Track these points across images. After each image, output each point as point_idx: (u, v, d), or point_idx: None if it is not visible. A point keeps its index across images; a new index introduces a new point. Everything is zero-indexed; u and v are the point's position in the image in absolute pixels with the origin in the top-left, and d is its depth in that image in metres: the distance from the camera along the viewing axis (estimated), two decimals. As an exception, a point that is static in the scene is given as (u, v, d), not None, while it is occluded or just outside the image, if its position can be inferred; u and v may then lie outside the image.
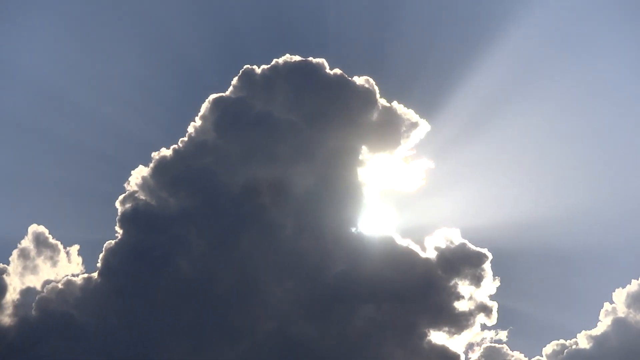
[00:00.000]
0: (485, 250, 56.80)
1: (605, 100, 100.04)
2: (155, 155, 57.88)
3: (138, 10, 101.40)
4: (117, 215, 57.34)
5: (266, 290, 55.33)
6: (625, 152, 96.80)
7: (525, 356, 59.23)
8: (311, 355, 55.31)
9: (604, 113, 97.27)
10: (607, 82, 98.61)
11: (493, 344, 59.45)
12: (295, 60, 59.21)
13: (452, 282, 55.93)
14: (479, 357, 58.50)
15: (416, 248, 57.25)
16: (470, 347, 57.52)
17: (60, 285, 56.83)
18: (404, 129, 58.37)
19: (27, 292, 56.98)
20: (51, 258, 59.23)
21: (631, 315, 59.50)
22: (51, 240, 59.27)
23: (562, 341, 61.06)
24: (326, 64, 59.77)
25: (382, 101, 59.57)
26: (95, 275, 56.98)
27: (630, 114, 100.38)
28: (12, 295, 56.62)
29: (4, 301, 56.06)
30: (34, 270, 58.41)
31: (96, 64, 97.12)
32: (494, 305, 56.35)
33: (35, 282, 57.86)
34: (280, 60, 59.48)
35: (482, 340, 58.57)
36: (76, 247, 60.19)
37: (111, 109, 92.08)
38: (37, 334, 55.53)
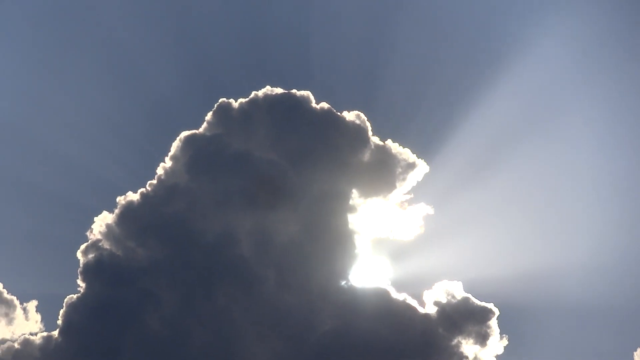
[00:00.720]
0: (491, 305, 51.49)
1: (620, 141, 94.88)
2: (120, 200, 52.42)
3: (104, 41, 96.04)
4: (78, 267, 51.99)
5: (246, 351, 49.44)
6: None
7: None
8: None
9: (618, 156, 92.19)
10: (621, 121, 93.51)
11: None
12: (276, 93, 53.63)
13: (455, 341, 50.77)
14: None
15: (414, 303, 51.67)
16: None
17: (17, 345, 52.01)
18: (400, 170, 53.11)
19: None
20: (6, 315, 54.65)
21: None
22: (6, 295, 54.68)
23: None
24: (312, 97, 54.27)
25: (375, 139, 53.90)
26: (55, 333, 51.87)
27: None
28: None
29: None
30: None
31: (58, 98, 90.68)
32: None
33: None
34: (260, 92, 53.82)
35: None
36: (34, 302, 55.39)
37: (73, 147, 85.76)
38: None
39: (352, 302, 51.30)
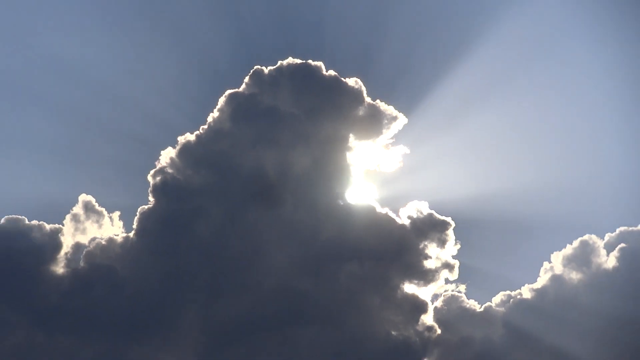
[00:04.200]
0: (449, 219, 68.84)
1: (561, 98, 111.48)
2: (181, 139, 68.33)
3: (173, 17, 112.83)
4: (149, 186, 68.05)
5: (269, 253, 66.63)
6: (571, 141, 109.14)
7: (478, 304, 69.70)
8: (306, 303, 66.65)
9: (560, 110, 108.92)
10: (565, 81, 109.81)
11: (453, 294, 70.43)
12: (297, 63, 69.51)
13: (422, 245, 67.86)
14: (442, 304, 69.53)
15: (393, 216, 68.58)
16: (435, 297, 69.45)
17: (103, 242, 68.16)
18: (385, 121, 69.49)
19: (77, 248, 68.16)
20: (97, 221, 70.74)
21: (565, 273, 71.19)
22: (97, 207, 70.50)
23: (508, 292, 71.74)
24: (323, 67, 70.24)
25: (368, 99, 70.13)
26: (131, 235, 68.09)
27: (583, 112, 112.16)
28: (65, 250, 68.01)
29: (58, 255, 67.59)
30: (83, 231, 69.35)
31: (137, 59, 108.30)
32: (456, 263, 68.34)
33: (84, 240, 68.79)
34: (285, 62, 69.68)
35: (445, 291, 70.30)
36: (117, 212, 71.39)
37: (148, 98, 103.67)
38: (84, 282, 67.22)
39: (347, 216, 68.32)
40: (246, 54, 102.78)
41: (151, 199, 68.77)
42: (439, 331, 70.93)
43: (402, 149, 72.18)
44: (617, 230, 75.85)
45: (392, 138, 71.94)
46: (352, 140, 69.43)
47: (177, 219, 68.09)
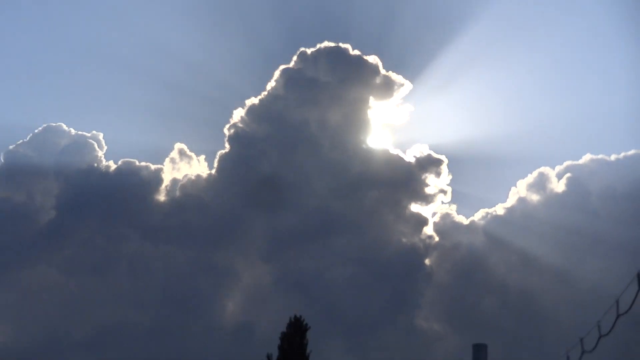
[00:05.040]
0: (443, 157, 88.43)
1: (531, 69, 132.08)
2: (248, 102, 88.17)
3: (241, 11, 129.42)
4: (225, 137, 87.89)
5: (313, 182, 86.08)
6: (535, 96, 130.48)
7: (465, 218, 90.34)
8: (339, 219, 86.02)
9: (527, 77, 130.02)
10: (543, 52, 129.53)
11: (447, 211, 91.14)
12: (330, 45, 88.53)
13: (423, 176, 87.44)
14: (438, 219, 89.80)
15: (402, 155, 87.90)
16: (433, 214, 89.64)
17: (193, 178, 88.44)
18: (396, 87, 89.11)
19: (174, 182, 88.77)
20: (188, 162, 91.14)
21: (527, 196, 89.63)
22: (188, 152, 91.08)
23: (487, 210, 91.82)
24: (350, 48, 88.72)
25: (383, 71, 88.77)
26: (213, 172, 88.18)
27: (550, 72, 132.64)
28: (165, 184, 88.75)
29: (161, 188, 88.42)
30: (178, 170, 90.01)
31: (215, 42, 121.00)
32: (448, 189, 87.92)
33: (179, 176, 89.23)
34: (322, 45, 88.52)
35: (440, 210, 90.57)
36: (203, 156, 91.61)
37: (222, 71, 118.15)
38: (180, 206, 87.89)
39: (369, 155, 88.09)
40: (293, 37, 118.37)
41: (227, 145, 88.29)
42: (437, 238, 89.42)
43: (409, 107, 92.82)
44: (564, 164, 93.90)
45: (401, 99, 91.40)
46: (372, 101, 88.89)
47: (247, 160, 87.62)
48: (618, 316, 28.24)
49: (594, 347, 32.90)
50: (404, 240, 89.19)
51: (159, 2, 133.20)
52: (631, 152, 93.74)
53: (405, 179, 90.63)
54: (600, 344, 33.23)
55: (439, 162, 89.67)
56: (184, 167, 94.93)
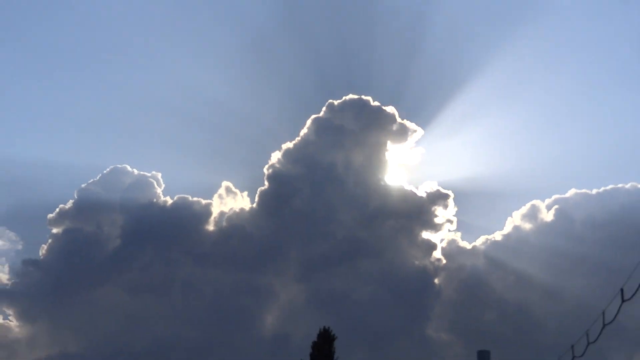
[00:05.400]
0: (449, 192, 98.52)
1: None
2: (284, 146, 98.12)
3: (276, 60, 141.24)
4: (264, 175, 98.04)
5: (339, 214, 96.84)
6: (527, 139, 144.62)
7: (469, 244, 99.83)
8: (362, 245, 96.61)
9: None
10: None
11: (453, 238, 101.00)
12: (354, 97, 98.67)
13: (433, 208, 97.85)
14: (445, 245, 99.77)
15: (415, 191, 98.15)
16: (441, 240, 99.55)
17: (237, 211, 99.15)
18: (410, 133, 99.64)
19: (222, 214, 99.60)
20: (233, 197, 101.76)
21: (521, 224, 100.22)
22: (233, 188, 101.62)
23: (487, 236, 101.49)
24: (371, 99, 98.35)
25: (399, 119, 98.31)
26: (254, 206, 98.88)
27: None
28: (214, 216, 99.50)
29: (210, 219, 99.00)
30: (225, 204, 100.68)
31: (254, 92, 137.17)
32: (454, 219, 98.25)
33: (225, 209, 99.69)
34: (347, 97, 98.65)
35: (447, 237, 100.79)
36: (245, 192, 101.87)
37: (261, 118, 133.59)
38: (226, 235, 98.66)
39: (386, 191, 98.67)
40: (323, 90, 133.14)
41: (266, 183, 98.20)
42: (444, 261, 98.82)
43: (420, 150, 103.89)
44: (553, 197, 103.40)
45: (414, 143, 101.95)
46: (389, 145, 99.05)
47: (283, 196, 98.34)
48: (604, 326, 29.27)
49: (583, 353, 34.69)
50: (416, 262, 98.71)
51: (211, 60, 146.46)
52: (609, 186, 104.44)
53: (417, 211, 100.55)
54: (588, 350, 35.28)
55: (446, 197, 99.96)
56: (230, 201, 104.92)
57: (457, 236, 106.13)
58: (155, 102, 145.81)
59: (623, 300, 26.98)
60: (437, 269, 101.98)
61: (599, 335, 30.25)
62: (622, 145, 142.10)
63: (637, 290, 24.69)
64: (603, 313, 28.28)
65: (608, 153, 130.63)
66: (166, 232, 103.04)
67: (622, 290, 27.16)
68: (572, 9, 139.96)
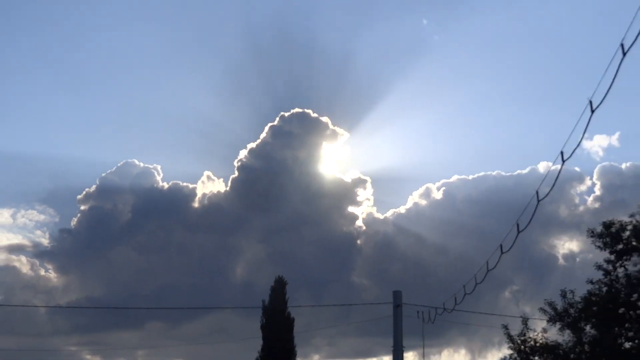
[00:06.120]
0: (368, 178, 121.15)
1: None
2: (249, 146, 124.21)
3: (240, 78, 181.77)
4: (235, 167, 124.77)
5: (290, 194, 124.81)
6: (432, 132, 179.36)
7: (381, 215, 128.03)
8: (307, 218, 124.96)
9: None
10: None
11: (370, 211, 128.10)
12: (299, 111, 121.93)
13: (355, 190, 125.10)
14: (365, 216, 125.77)
15: (343, 178, 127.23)
16: (362, 213, 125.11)
17: (215, 192, 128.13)
18: (339, 136, 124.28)
19: (203, 196, 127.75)
20: (213, 183, 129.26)
21: (419, 201, 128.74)
22: (213, 177, 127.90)
23: (394, 210, 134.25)
24: (311, 112, 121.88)
25: (331, 126, 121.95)
26: (228, 189, 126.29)
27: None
28: (198, 196, 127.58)
29: (196, 199, 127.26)
30: (206, 188, 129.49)
31: (221, 105, 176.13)
32: (372, 198, 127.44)
33: (207, 191, 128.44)
34: (294, 110, 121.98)
35: (366, 210, 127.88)
36: (222, 179, 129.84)
37: (235, 123, 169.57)
38: (207, 211, 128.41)
39: (322, 178, 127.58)
40: (278, 104, 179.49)
41: (237, 172, 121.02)
42: (364, 228, 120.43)
43: (347, 148, 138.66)
44: (441, 181, 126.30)
45: (342, 143, 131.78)
46: (324, 144, 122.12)
47: (249, 182, 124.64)
48: (501, 254, 29.36)
49: (482, 279, 35.76)
50: (344, 229, 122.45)
51: (199, 83, 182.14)
52: (481, 173, 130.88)
53: (344, 192, 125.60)
54: (475, 290, 37.76)
55: (365, 181, 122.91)
56: (210, 185, 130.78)
57: (374, 210, 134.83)
58: (157, 113, 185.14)
59: (519, 231, 26.76)
60: (359, 233, 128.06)
61: (497, 263, 31.43)
62: (492, 145, 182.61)
63: (530, 221, 25.26)
64: (501, 246, 28.88)
65: (481, 150, 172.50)
66: (164, 208, 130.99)
67: (517, 223, 26.65)
68: (458, 52, 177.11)
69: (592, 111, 18.44)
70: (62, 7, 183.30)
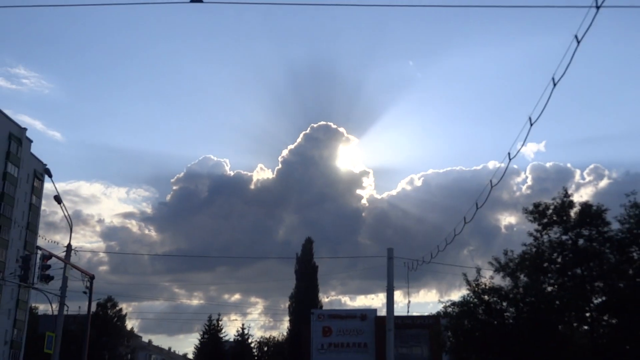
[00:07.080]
0: (370, 170, 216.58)
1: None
2: (289, 146, 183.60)
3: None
4: (278, 162, 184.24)
5: (321, 179, 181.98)
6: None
7: (379, 196, 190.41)
8: (329, 196, 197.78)
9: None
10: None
11: (371, 194, 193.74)
12: (323, 123, 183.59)
13: (362, 178, 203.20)
14: (368, 196, 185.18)
15: (353, 170, 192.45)
16: (367, 194, 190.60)
17: (267, 178, 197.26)
18: (351, 141, 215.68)
19: (257, 180, 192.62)
20: (264, 171, 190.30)
21: (405, 188, 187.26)
22: (265, 168, 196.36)
23: (389, 192, 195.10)
24: (332, 124, 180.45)
25: (346, 135, 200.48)
26: (275, 176, 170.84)
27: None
28: (254, 181, 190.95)
29: (252, 182, 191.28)
30: (260, 175, 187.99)
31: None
32: (373, 184, 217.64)
33: (259, 177, 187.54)
34: (321, 123, 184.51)
35: (369, 193, 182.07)
36: (269, 170, 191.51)
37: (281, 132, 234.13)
38: (260, 190, 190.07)
39: (340, 170, 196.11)
40: (305, 117, 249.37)
41: (280, 165, 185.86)
42: (367, 205, 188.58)
43: (357, 149, 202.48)
44: (420, 173, 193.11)
45: (354, 146, 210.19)
46: (341, 147, 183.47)
47: (293, 173, 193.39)
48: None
49: (451, 241, 40.22)
50: (354, 205, 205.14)
51: (253, 101, 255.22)
52: (449, 168, 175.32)
53: (354, 179, 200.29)
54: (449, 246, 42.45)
55: (368, 173, 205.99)
56: (262, 174, 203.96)
57: (374, 192, 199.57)
58: (226, 123, 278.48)
59: (477, 208, 29.14)
60: (364, 209, 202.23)
61: (461, 230, 33.54)
62: (456, 148, 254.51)
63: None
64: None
65: (449, 151, 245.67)
66: (230, 189, 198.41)
67: (477, 202, 28.74)
68: (435, 84, 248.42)
69: (531, 124, 21.44)
70: (163, 47, 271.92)
